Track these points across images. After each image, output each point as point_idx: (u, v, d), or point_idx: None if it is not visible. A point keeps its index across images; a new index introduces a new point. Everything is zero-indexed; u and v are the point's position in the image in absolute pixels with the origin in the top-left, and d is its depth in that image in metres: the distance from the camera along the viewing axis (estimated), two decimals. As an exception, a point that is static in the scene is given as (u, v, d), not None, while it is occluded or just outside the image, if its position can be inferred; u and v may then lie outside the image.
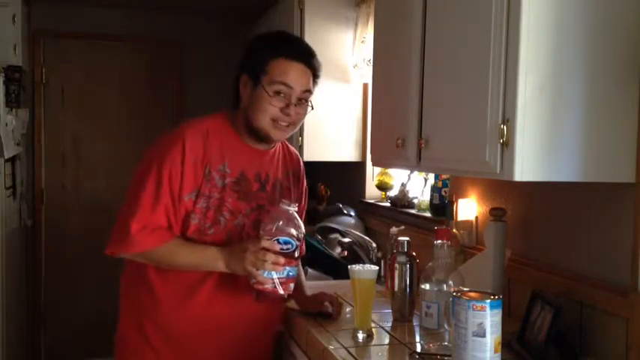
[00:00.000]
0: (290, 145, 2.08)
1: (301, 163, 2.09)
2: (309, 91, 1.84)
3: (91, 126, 4.58)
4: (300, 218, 2.11)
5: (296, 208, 1.78)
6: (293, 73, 1.79)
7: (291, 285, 1.74)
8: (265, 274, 1.70)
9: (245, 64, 1.85)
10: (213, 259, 1.77)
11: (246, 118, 1.84)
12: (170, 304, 1.84)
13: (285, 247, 1.71)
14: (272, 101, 1.78)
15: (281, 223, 1.73)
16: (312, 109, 1.88)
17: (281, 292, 1.72)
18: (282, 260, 1.70)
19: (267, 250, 1.69)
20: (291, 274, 1.73)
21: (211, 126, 1.85)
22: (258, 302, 1.76)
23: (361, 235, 2.81)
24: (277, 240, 1.71)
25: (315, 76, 1.86)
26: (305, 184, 2.11)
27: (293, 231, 1.73)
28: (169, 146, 1.78)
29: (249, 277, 1.73)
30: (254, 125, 1.82)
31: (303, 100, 1.83)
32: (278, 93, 1.78)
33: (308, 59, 1.83)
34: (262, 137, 1.84)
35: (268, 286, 1.71)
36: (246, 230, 1.85)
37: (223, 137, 1.85)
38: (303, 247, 1.88)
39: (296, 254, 1.74)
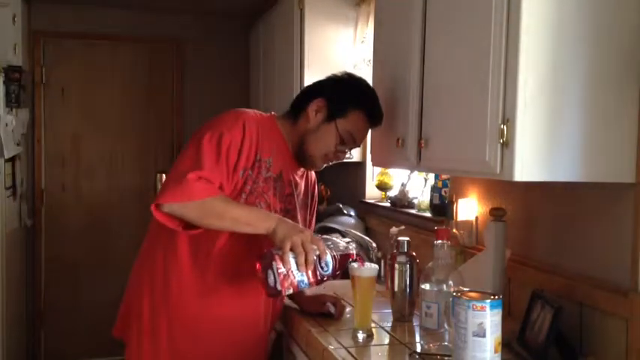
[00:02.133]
0: None
1: (315, 181, 2.15)
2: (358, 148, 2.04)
3: (91, 126, 4.58)
4: (311, 223, 2.16)
5: (354, 252, 1.82)
6: (364, 132, 1.98)
7: (290, 291, 1.72)
8: (291, 259, 1.67)
9: (329, 92, 1.94)
10: (266, 219, 1.75)
11: (301, 138, 1.93)
12: (186, 292, 1.86)
13: (324, 263, 1.72)
14: (337, 145, 1.91)
15: (338, 248, 1.77)
16: (352, 157, 2.04)
17: (281, 285, 1.68)
18: (312, 267, 1.70)
19: (315, 249, 1.69)
20: (302, 284, 1.71)
21: (262, 120, 1.92)
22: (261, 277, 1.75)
23: (361, 235, 2.81)
24: (327, 252, 1.73)
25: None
26: (315, 206, 2.16)
27: (336, 262, 1.74)
28: (231, 122, 1.82)
29: (277, 247, 1.69)
30: (307, 151, 1.93)
31: (351, 152, 1.98)
32: (344, 143, 1.92)
33: (378, 125, 2.00)
34: (305, 162, 1.96)
35: (281, 269, 1.67)
36: None
37: (272, 135, 1.91)
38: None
39: (321, 278, 1.73)
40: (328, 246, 1.75)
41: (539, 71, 1.39)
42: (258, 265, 1.72)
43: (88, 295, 4.52)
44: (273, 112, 2.03)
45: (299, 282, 1.70)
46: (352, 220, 3.14)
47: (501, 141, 1.42)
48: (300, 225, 1.93)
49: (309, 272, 1.70)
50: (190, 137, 1.86)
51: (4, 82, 3.43)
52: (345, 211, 3.20)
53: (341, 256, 1.77)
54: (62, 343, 4.49)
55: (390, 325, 1.98)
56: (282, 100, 3.58)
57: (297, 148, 1.94)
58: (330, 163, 1.99)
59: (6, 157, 3.41)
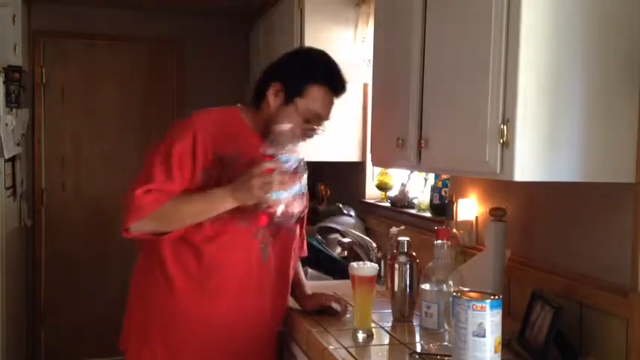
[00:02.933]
0: None
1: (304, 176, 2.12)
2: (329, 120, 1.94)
3: (91, 126, 4.58)
4: (303, 220, 2.14)
5: (291, 125, 1.80)
6: (327, 105, 1.91)
7: (300, 201, 1.76)
8: (274, 196, 1.70)
9: (282, 73, 1.91)
10: (221, 199, 1.77)
11: (266, 123, 1.87)
12: (183, 298, 1.86)
13: (287, 165, 1.73)
14: (299, 124, 1.86)
15: (279, 142, 1.75)
16: (324, 130, 1.96)
17: (294, 209, 1.74)
18: (288, 178, 1.72)
19: (271, 171, 1.70)
20: (300, 190, 1.75)
21: (224, 116, 1.91)
22: (273, 226, 1.80)
23: (361, 235, 2.81)
24: (277, 159, 1.72)
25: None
26: (306, 198, 2.12)
27: (291, 147, 1.75)
28: (180, 131, 1.83)
29: (260, 203, 1.73)
30: (274, 136, 1.85)
31: (321, 127, 1.93)
32: (308, 120, 1.88)
33: (340, 93, 1.93)
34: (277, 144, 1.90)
35: (281, 208, 1.72)
36: (253, 218, 1.87)
37: (235, 128, 1.90)
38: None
39: (298, 169, 1.75)
40: (271, 154, 1.74)
41: (539, 71, 1.39)
42: (263, 220, 1.79)
43: (88, 295, 4.52)
44: (238, 105, 2.01)
45: (298, 192, 1.75)
46: (352, 220, 3.14)
47: (501, 141, 1.42)
48: None
49: (289, 180, 1.72)
50: (151, 149, 1.87)
51: (4, 82, 3.43)
52: (345, 211, 3.20)
53: (285, 139, 1.77)
54: (62, 343, 4.48)
55: (390, 325, 1.98)
56: (282, 100, 3.58)
57: (265, 134, 1.87)
58: (305, 140, 1.94)
59: (6, 157, 3.41)
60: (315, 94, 1.87)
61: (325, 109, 1.91)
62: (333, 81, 1.91)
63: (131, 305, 1.99)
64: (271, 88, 1.89)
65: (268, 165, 1.71)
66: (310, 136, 1.93)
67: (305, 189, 1.90)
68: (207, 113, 1.90)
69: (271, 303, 1.98)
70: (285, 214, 1.74)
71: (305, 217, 2.13)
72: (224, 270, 1.87)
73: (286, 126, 1.77)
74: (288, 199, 1.73)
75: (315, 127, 1.91)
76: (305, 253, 2.21)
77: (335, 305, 2.02)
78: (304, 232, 2.18)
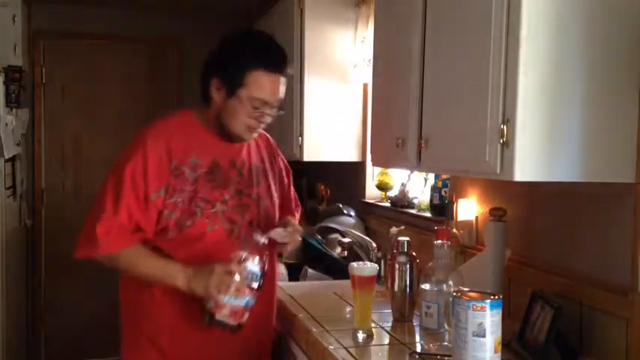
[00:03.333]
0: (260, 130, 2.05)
1: (271, 141, 2.10)
2: (282, 99, 1.85)
3: (91, 126, 4.58)
4: (289, 197, 2.13)
5: (267, 241, 1.78)
6: (271, 87, 1.80)
7: (246, 315, 1.74)
8: (226, 299, 1.70)
9: (217, 67, 1.84)
10: (173, 275, 1.76)
11: (218, 121, 1.85)
12: (170, 306, 1.84)
13: (250, 275, 1.72)
14: (250, 112, 1.80)
15: (250, 251, 1.74)
16: (283, 111, 1.90)
17: (234, 321, 1.72)
18: (245, 288, 1.71)
19: (234, 274, 1.70)
20: (250, 303, 1.74)
21: (175, 123, 1.87)
22: (208, 326, 1.74)
23: (361, 235, 2.81)
24: (245, 267, 1.72)
25: (286, 80, 1.85)
26: (283, 161, 2.13)
27: (259, 262, 1.74)
28: (131, 150, 1.80)
29: (207, 298, 1.72)
30: (228, 130, 1.85)
31: (276, 107, 1.85)
32: (256, 107, 1.80)
33: (284, 69, 1.83)
34: (234, 140, 1.88)
35: (225, 312, 1.71)
36: (227, 216, 1.85)
37: (190, 132, 1.86)
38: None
39: (258, 285, 1.74)
40: (242, 258, 1.72)
41: (539, 71, 1.39)
42: (207, 325, 1.74)
43: (88, 295, 4.51)
44: (190, 107, 1.95)
45: (246, 304, 1.73)
46: (352, 220, 3.14)
47: (501, 141, 1.42)
48: (263, 194, 1.93)
49: (246, 291, 1.72)
50: (109, 170, 1.85)
51: (4, 82, 3.43)
52: (345, 211, 3.20)
53: (257, 249, 1.76)
54: (62, 343, 4.48)
55: (390, 325, 1.98)
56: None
57: (221, 131, 1.86)
58: (259, 128, 1.88)
59: (6, 157, 3.41)
60: (255, 79, 1.78)
61: (271, 92, 1.81)
62: (268, 60, 1.80)
63: (123, 316, 1.96)
64: (212, 85, 1.83)
65: (233, 267, 1.71)
66: (264, 122, 1.86)
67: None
68: (157, 125, 1.86)
69: (260, 297, 1.93)
70: (228, 318, 1.71)
71: (291, 193, 2.12)
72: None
73: (261, 239, 1.77)
74: (236, 307, 1.72)
75: (266, 112, 1.83)
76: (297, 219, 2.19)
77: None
78: (291, 203, 2.17)
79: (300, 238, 1.99)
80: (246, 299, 1.72)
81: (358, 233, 2.83)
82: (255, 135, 1.91)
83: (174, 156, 1.80)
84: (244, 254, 1.73)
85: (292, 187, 2.20)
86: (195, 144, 1.85)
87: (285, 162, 2.17)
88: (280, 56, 1.84)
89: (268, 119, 1.85)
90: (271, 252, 1.91)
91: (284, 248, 1.99)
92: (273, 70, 1.80)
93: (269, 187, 2.00)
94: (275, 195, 2.03)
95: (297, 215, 2.22)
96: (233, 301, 1.71)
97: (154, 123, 1.87)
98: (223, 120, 1.84)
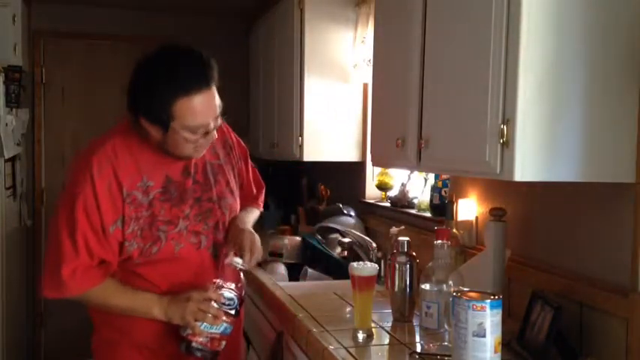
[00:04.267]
0: None
1: (224, 128, 1.93)
2: (218, 109, 1.69)
3: (91, 126, 4.57)
4: (248, 181, 2.05)
5: (246, 266, 1.73)
6: (202, 108, 1.63)
7: (223, 343, 1.72)
8: (202, 327, 1.68)
9: (141, 108, 1.65)
10: (149, 306, 1.72)
11: (158, 142, 1.69)
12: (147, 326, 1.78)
13: (227, 302, 1.70)
14: (191, 140, 1.66)
15: (226, 278, 1.71)
16: (223, 117, 1.75)
17: (211, 348, 1.70)
18: (222, 315, 1.69)
19: (210, 302, 1.67)
20: (227, 331, 1.72)
21: (117, 144, 1.71)
22: (185, 353, 1.70)
23: (361, 235, 2.81)
24: (222, 294, 1.69)
25: (216, 85, 1.69)
26: (240, 148, 2.00)
27: (236, 288, 1.72)
28: (77, 182, 1.68)
29: (184, 327, 1.69)
30: (178, 156, 1.72)
31: (218, 122, 1.71)
32: (194, 132, 1.65)
33: (208, 80, 1.65)
34: (182, 160, 1.76)
35: (202, 339, 1.68)
36: (191, 229, 1.77)
37: (134, 152, 1.72)
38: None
39: (236, 311, 1.72)
40: (219, 285, 1.69)
41: (539, 71, 1.39)
42: (184, 352, 1.71)
43: (88, 295, 4.52)
44: (121, 124, 1.77)
45: (223, 331, 1.71)
46: (352, 220, 3.14)
47: (501, 141, 1.42)
48: (224, 191, 1.85)
49: (224, 317, 1.70)
50: (57, 204, 1.74)
51: (4, 82, 3.43)
52: (345, 211, 3.20)
53: (232, 274, 1.72)
54: (62, 343, 4.48)
55: (390, 325, 1.98)
56: (282, 101, 3.58)
57: (167, 153, 1.72)
58: (209, 143, 1.74)
59: (6, 157, 3.41)
60: (181, 107, 1.60)
61: (204, 114, 1.64)
62: (189, 83, 1.62)
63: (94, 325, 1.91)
64: (142, 125, 1.66)
65: (211, 295, 1.68)
66: (211, 138, 1.71)
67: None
68: (99, 150, 1.69)
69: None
70: (204, 346, 1.69)
71: (247, 182, 2.04)
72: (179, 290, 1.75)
73: (237, 262, 1.72)
74: (213, 335, 1.69)
75: (209, 130, 1.68)
76: (260, 206, 2.12)
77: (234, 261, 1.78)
78: (251, 187, 2.09)
79: (257, 258, 1.83)
80: (223, 326, 1.70)
81: (358, 233, 2.83)
82: (204, 150, 1.76)
83: (124, 182, 1.68)
84: (220, 281, 1.70)
85: (251, 169, 2.08)
86: (143, 165, 1.72)
87: (241, 143, 2.01)
88: (199, 71, 1.65)
89: (214, 135, 1.71)
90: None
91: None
92: (196, 91, 1.61)
93: (227, 182, 1.90)
94: (235, 189, 1.94)
95: (261, 197, 2.13)
96: (210, 328, 1.68)
97: (95, 146, 1.71)
98: (168, 150, 1.70)
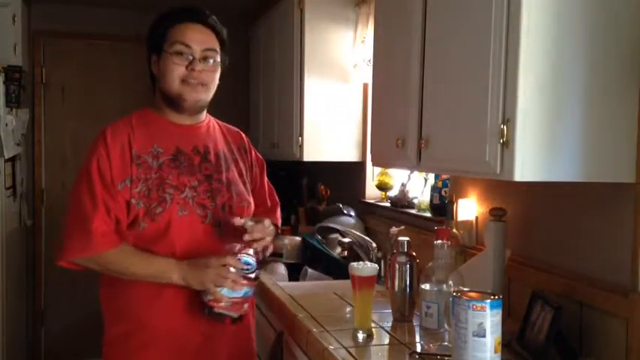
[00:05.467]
0: (231, 126, 2.07)
1: (245, 138, 2.08)
2: (214, 50, 1.86)
3: (91, 126, 4.54)
4: (262, 192, 2.08)
5: (245, 223, 1.77)
6: (190, 32, 1.83)
7: (246, 305, 1.75)
8: (223, 292, 1.70)
9: (149, 45, 1.92)
10: (168, 270, 1.75)
11: (161, 92, 1.89)
12: (149, 305, 1.80)
13: (246, 267, 1.72)
14: (175, 60, 1.82)
15: (244, 243, 1.74)
16: (225, 65, 1.92)
17: (234, 313, 1.72)
18: (242, 279, 1.71)
19: (230, 267, 1.70)
20: (249, 294, 1.74)
21: (135, 117, 1.91)
22: (208, 317, 1.73)
23: (361, 235, 2.81)
24: (240, 259, 1.72)
25: (218, 34, 1.88)
26: (255, 154, 2.09)
27: (254, 252, 1.75)
28: (93, 145, 1.82)
29: (205, 292, 1.72)
30: (167, 92, 1.86)
31: (211, 60, 1.85)
32: (180, 53, 1.82)
33: (203, 18, 1.86)
34: (178, 101, 1.85)
35: (223, 304, 1.71)
36: (198, 201, 1.82)
37: (149, 123, 1.89)
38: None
39: (255, 275, 1.74)
40: (236, 251, 1.73)
41: (539, 71, 1.39)
42: (207, 317, 1.72)
43: (88, 295, 4.49)
44: (144, 107, 2.00)
45: (245, 295, 1.73)
46: (352, 220, 3.15)
47: (501, 141, 1.42)
48: (234, 178, 1.91)
49: (244, 281, 1.71)
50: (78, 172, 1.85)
51: (4, 82, 3.43)
52: (345, 211, 3.20)
53: (249, 242, 1.75)
54: (62, 343, 4.49)
55: (390, 325, 1.98)
56: (282, 100, 3.58)
57: (166, 102, 1.88)
58: (196, 82, 1.83)
59: (6, 157, 3.41)
60: (173, 32, 1.84)
61: (190, 36, 1.82)
62: (182, 15, 1.86)
63: (102, 306, 1.90)
64: (151, 63, 1.92)
65: (229, 260, 1.71)
66: (198, 73, 1.82)
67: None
68: (117, 122, 1.89)
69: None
70: (227, 310, 1.71)
71: (260, 188, 2.09)
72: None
73: (239, 221, 1.76)
74: (235, 299, 1.72)
75: (195, 58, 1.82)
76: (278, 221, 2.15)
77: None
78: (272, 197, 2.14)
79: (270, 236, 1.88)
80: (243, 290, 1.72)
81: (358, 233, 2.83)
82: (195, 94, 1.84)
83: (135, 146, 1.81)
84: (238, 246, 1.73)
85: (267, 183, 2.14)
86: (155, 134, 1.86)
87: (259, 156, 2.12)
88: (196, 9, 1.88)
89: (198, 67, 1.82)
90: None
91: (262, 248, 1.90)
92: (188, 19, 1.84)
93: (240, 173, 1.97)
94: (248, 182, 2.00)
95: (278, 212, 2.17)
96: (231, 293, 1.70)
97: (114, 120, 1.90)
98: (162, 85, 1.86)
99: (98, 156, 1.79)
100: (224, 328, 1.81)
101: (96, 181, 1.77)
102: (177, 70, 1.82)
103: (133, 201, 1.77)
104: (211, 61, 1.85)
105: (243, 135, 2.09)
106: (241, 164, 1.99)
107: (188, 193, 1.82)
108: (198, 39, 1.83)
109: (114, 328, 1.86)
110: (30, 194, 4.39)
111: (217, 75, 1.89)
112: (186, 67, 1.82)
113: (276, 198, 2.19)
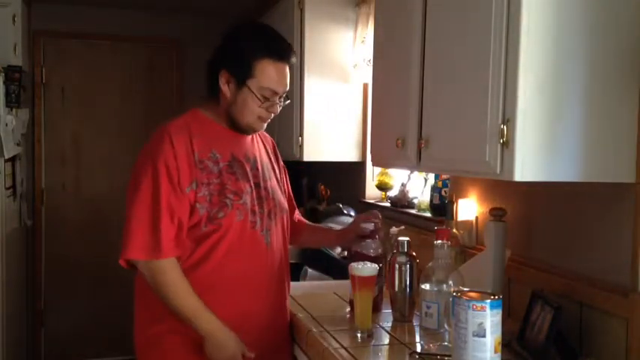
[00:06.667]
0: (264, 132, 2.11)
1: (274, 143, 2.17)
2: (288, 87, 1.91)
3: (90, 126, 4.59)
4: (290, 196, 2.17)
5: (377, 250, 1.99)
6: (279, 77, 1.85)
7: None
8: None
9: (226, 59, 1.87)
10: (200, 323, 1.78)
11: (229, 114, 1.89)
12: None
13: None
14: (261, 104, 1.85)
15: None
16: (289, 100, 1.98)
17: None
18: None
19: None
20: None
21: (190, 120, 1.89)
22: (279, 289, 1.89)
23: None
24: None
25: (291, 71, 1.92)
26: (281, 162, 2.17)
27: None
28: (158, 145, 1.80)
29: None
30: (240, 123, 1.89)
31: (285, 97, 1.91)
32: (266, 98, 1.85)
33: (291, 59, 1.88)
34: (246, 132, 1.93)
35: None
36: (251, 208, 1.87)
37: (205, 127, 1.89)
38: None
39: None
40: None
41: (539, 71, 1.39)
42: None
43: (88, 295, 4.52)
44: (196, 108, 1.96)
45: None
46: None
47: (501, 141, 1.42)
48: (275, 186, 1.99)
49: None
50: (133, 171, 1.83)
51: (4, 82, 3.43)
52: (345, 211, 3.20)
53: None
54: (62, 343, 4.48)
55: (390, 325, 1.98)
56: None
57: (232, 125, 1.91)
58: (270, 119, 1.93)
59: (6, 157, 3.41)
60: (263, 68, 1.83)
61: (279, 82, 1.86)
62: (276, 50, 1.85)
63: (137, 305, 1.95)
64: (221, 77, 1.87)
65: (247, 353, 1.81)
66: (274, 112, 1.90)
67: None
68: (175, 122, 1.88)
69: (280, 286, 1.99)
70: None
71: (290, 196, 2.18)
72: (231, 272, 1.85)
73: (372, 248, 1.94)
74: None
75: (276, 102, 1.88)
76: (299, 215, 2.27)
77: (367, 227, 2.05)
78: (292, 201, 2.22)
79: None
80: None
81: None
82: (264, 125, 1.94)
83: (197, 149, 1.82)
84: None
85: (290, 188, 2.23)
86: (212, 139, 1.88)
87: (283, 164, 2.20)
88: (285, 45, 1.89)
89: (278, 109, 1.90)
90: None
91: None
92: (279, 58, 1.85)
93: (278, 180, 2.06)
94: (284, 190, 2.10)
95: (298, 214, 2.27)
96: None
97: (169, 121, 1.88)
98: (234, 113, 1.88)
99: (166, 158, 1.78)
100: None
101: (163, 183, 1.76)
102: (258, 111, 1.86)
103: (198, 205, 1.80)
104: (282, 104, 1.92)
105: (272, 141, 2.15)
106: (277, 171, 2.07)
107: (245, 200, 1.86)
108: (284, 83, 1.88)
109: (147, 330, 1.88)
110: (30, 194, 4.39)
111: None
112: (267, 109, 1.87)
113: (295, 204, 2.26)
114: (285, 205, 2.06)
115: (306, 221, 2.30)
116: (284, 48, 1.88)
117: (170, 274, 1.78)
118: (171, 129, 1.83)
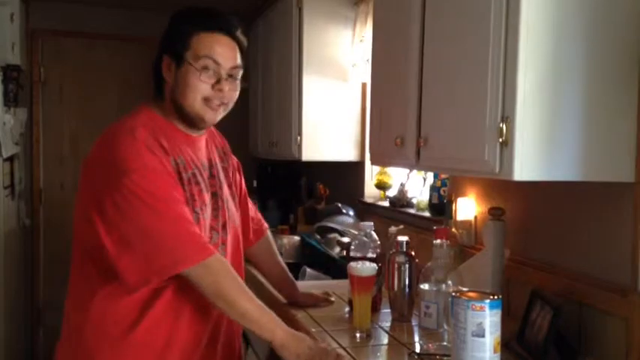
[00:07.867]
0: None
1: (222, 138, 1.95)
2: (240, 67, 1.69)
3: (89, 125, 4.57)
4: (241, 196, 1.97)
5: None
6: (220, 47, 1.65)
7: None
8: None
9: (165, 44, 1.70)
10: (273, 325, 1.58)
11: (175, 103, 1.67)
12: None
13: None
14: (201, 77, 1.63)
15: None
16: (246, 85, 1.76)
17: None
18: None
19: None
20: None
21: (147, 122, 1.66)
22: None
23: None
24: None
25: (242, 50, 1.71)
26: (234, 159, 1.96)
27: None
28: (138, 156, 1.58)
29: None
30: (185, 109, 1.65)
31: (233, 77, 1.68)
32: (206, 68, 1.63)
33: (233, 31, 1.69)
34: (195, 121, 1.68)
35: None
36: (210, 222, 1.68)
37: (165, 131, 1.66)
38: None
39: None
40: None
41: (539, 70, 1.39)
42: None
43: (87, 295, 4.51)
44: (142, 104, 1.75)
45: None
46: (351, 220, 3.14)
47: (500, 140, 1.42)
48: (228, 195, 1.79)
49: None
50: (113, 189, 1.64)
51: (3, 81, 3.43)
52: (344, 211, 3.20)
53: None
54: (61, 343, 4.48)
55: (389, 324, 1.97)
56: (281, 99, 3.58)
57: (180, 116, 1.67)
58: (218, 103, 1.66)
59: (4, 156, 3.41)
60: (199, 39, 1.64)
61: (219, 53, 1.64)
62: (210, 22, 1.67)
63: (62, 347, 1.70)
64: (163, 67, 1.68)
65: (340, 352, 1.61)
66: (222, 92, 1.65)
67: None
68: (132, 121, 1.66)
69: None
70: None
71: (245, 195, 2.01)
72: (195, 293, 1.61)
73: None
74: None
75: (221, 78, 1.64)
76: (265, 232, 2.10)
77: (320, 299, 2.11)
78: (251, 211, 2.04)
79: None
80: None
81: (357, 233, 2.82)
82: (215, 115, 1.68)
83: (169, 154, 1.62)
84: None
85: (244, 185, 2.03)
86: (175, 144, 1.66)
87: (235, 159, 1.98)
88: (224, 19, 1.70)
89: (226, 87, 1.65)
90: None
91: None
92: (218, 29, 1.66)
93: (230, 185, 1.85)
94: (235, 195, 1.89)
95: (257, 214, 2.10)
96: None
97: (124, 122, 1.67)
98: (179, 98, 1.65)
99: (159, 157, 1.58)
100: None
101: (172, 183, 1.59)
102: (202, 88, 1.63)
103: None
104: (237, 79, 1.69)
105: (220, 136, 1.93)
106: (230, 174, 1.87)
107: (207, 214, 1.67)
108: (228, 56, 1.66)
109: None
110: (28, 193, 4.38)
111: (237, 94, 1.71)
112: (212, 86, 1.64)
113: (248, 200, 2.07)
114: (237, 215, 1.85)
115: (271, 245, 2.11)
116: (222, 20, 1.69)
117: (229, 267, 1.60)
118: (140, 131, 1.62)
